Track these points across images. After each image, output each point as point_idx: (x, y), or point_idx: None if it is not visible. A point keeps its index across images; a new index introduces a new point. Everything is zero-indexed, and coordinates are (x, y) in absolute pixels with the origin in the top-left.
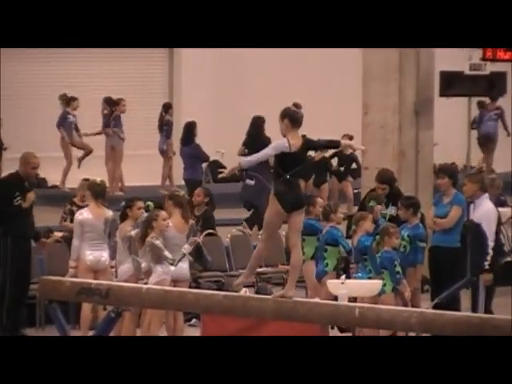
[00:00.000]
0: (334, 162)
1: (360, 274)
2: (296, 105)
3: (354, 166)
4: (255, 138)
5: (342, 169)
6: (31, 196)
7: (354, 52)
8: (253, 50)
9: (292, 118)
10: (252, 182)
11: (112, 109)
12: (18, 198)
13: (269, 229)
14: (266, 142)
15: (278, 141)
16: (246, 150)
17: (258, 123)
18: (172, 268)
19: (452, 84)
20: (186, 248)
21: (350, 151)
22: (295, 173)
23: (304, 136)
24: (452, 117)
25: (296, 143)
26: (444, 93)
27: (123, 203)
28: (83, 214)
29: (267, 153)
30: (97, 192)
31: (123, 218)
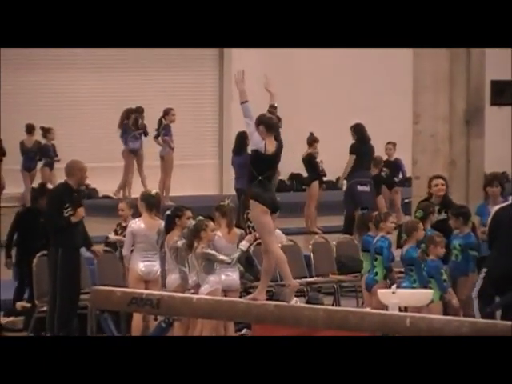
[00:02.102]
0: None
1: (404, 284)
2: (271, 108)
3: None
4: (361, 143)
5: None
6: (81, 211)
7: (405, 61)
8: (304, 59)
9: (266, 124)
10: (367, 188)
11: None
12: (69, 210)
13: (267, 232)
14: (371, 147)
15: (260, 139)
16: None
17: (361, 129)
18: (223, 277)
19: (503, 93)
20: (244, 244)
21: (394, 158)
22: (268, 176)
23: (278, 144)
24: (503, 125)
25: (271, 148)
26: (495, 102)
27: (168, 212)
28: (136, 224)
29: (252, 131)
30: (151, 203)
31: (170, 227)
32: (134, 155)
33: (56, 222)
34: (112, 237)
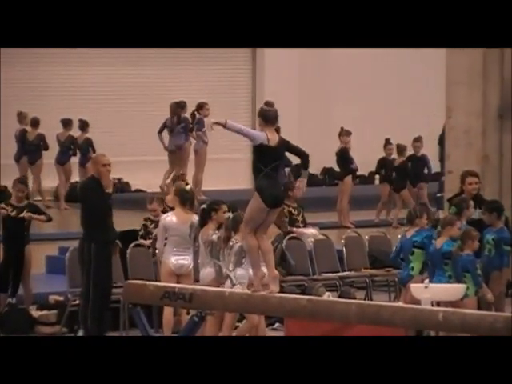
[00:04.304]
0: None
1: (439, 278)
2: (268, 103)
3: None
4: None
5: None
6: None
7: (439, 56)
8: (337, 55)
9: (264, 116)
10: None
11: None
12: (97, 202)
13: (250, 224)
14: None
15: (258, 131)
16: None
17: None
18: (251, 272)
19: None
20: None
21: (420, 153)
22: (274, 167)
23: (280, 136)
24: None
25: (273, 138)
26: None
27: (203, 206)
28: (168, 218)
29: (249, 132)
30: (185, 198)
31: (204, 221)
32: (179, 150)
33: (87, 214)
34: (143, 242)
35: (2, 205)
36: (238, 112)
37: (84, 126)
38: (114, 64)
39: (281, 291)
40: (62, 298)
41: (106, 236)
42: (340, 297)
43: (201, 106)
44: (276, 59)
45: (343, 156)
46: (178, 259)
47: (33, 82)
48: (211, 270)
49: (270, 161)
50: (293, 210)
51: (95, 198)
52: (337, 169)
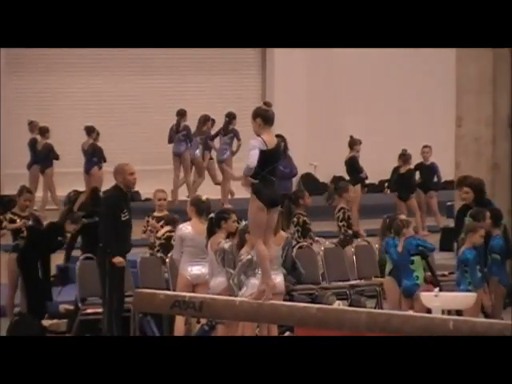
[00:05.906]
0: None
1: (462, 287)
2: (266, 103)
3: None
4: None
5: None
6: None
7: (448, 64)
8: (346, 62)
9: (263, 116)
10: None
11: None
12: (126, 214)
13: (257, 229)
14: None
15: (253, 140)
16: None
17: None
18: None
19: None
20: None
21: (429, 162)
22: (271, 170)
23: (278, 136)
24: None
25: (270, 140)
26: None
27: (212, 215)
28: (184, 228)
29: (255, 154)
30: (201, 208)
31: (213, 230)
32: (178, 158)
33: (113, 225)
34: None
35: (9, 214)
36: (246, 120)
37: (90, 132)
38: (120, 73)
39: (291, 300)
40: (72, 307)
41: (121, 247)
42: (350, 305)
43: (234, 116)
44: (286, 66)
45: (352, 165)
46: (194, 269)
47: (41, 92)
48: (222, 279)
49: (267, 164)
50: (306, 219)
51: (124, 209)
52: (346, 177)
